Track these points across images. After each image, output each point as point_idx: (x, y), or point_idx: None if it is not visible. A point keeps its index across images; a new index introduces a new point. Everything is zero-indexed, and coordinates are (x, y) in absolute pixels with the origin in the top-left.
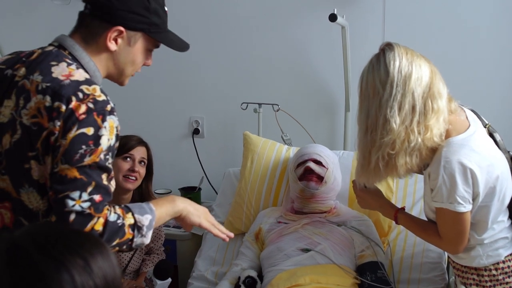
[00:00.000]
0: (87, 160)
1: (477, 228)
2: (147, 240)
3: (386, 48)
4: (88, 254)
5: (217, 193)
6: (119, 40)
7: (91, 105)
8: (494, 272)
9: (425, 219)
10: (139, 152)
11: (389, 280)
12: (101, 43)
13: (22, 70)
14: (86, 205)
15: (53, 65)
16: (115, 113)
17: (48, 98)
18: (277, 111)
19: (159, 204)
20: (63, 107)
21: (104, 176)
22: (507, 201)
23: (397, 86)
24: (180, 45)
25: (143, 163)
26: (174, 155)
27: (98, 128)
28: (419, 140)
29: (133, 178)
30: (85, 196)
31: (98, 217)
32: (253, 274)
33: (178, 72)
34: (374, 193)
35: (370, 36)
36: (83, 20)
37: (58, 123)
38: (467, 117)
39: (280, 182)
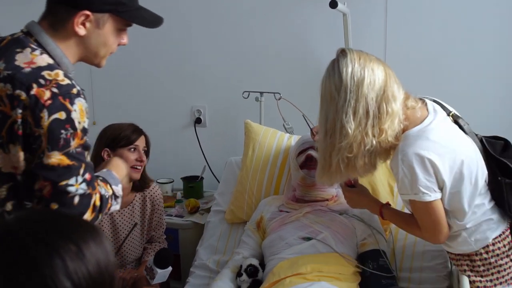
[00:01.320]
0: (74, 144)
1: (457, 214)
2: (118, 206)
3: (340, 54)
4: (80, 240)
5: (219, 182)
6: (87, 24)
7: (55, 90)
8: (485, 255)
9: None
10: (141, 142)
11: (391, 268)
12: (69, 28)
13: None
14: (84, 186)
15: (18, 52)
16: (82, 96)
17: (9, 86)
18: (279, 99)
19: (117, 170)
20: (23, 95)
21: (86, 154)
22: (481, 183)
23: (351, 92)
24: (152, 22)
25: (144, 152)
26: (176, 144)
27: (69, 111)
28: (374, 142)
29: (140, 167)
30: (80, 179)
31: (96, 194)
32: (255, 262)
33: (180, 62)
34: (360, 193)
35: (372, 23)
36: (50, 7)
37: (20, 111)
38: (427, 109)
39: (282, 170)
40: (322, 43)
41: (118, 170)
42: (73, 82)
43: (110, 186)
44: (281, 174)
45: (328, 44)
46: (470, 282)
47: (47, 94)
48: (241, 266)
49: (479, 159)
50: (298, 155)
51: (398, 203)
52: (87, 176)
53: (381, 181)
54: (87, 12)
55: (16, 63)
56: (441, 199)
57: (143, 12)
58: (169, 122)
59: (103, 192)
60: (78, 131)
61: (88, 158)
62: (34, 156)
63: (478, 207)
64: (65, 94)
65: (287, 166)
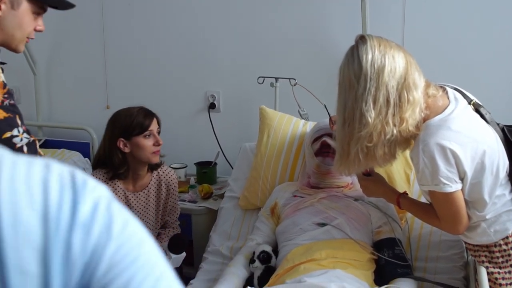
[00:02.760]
0: None
1: (477, 205)
2: None
3: (359, 41)
4: None
5: (232, 168)
6: (2, 6)
7: None
8: (504, 247)
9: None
10: (154, 125)
11: (407, 257)
12: None
13: None
14: (26, 135)
15: None
16: None
17: None
18: (294, 85)
19: None
20: None
21: (18, 106)
22: (502, 174)
23: (371, 80)
24: (61, 4)
25: (158, 133)
26: (190, 129)
27: None
28: (395, 131)
29: (158, 151)
30: (21, 129)
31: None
32: (268, 249)
33: (194, 46)
34: (376, 181)
35: (391, 8)
36: None
37: None
38: (448, 97)
39: (297, 157)
40: (339, 28)
41: None
42: None
43: None
44: (296, 161)
45: (345, 29)
46: (488, 273)
47: None
48: (254, 253)
49: (501, 149)
50: (313, 142)
51: (414, 192)
52: (23, 126)
53: (397, 170)
54: None
55: None
56: (462, 189)
57: None
58: (183, 107)
59: None
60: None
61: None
62: None
63: (499, 198)
64: None
65: (302, 152)
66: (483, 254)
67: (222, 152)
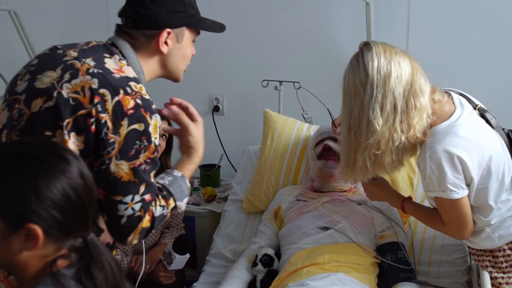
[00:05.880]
0: (142, 156)
1: (482, 210)
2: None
3: (364, 48)
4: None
5: (236, 171)
6: (169, 41)
7: (139, 101)
8: (508, 252)
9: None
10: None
11: (410, 261)
12: (152, 48)
13: (74, 53)
14: (137, 206)
15: (106, 57)
16: (157, 114)
17: (96, 81)
18: (298, 88)
19: (188, 171)
20: (109, 96)
21: (152, 174)
22: (508, 179)
23: (377, 87)
24: (218, 27)
25: (164, 137)
26: None
27: (147, 124)
28: (403, 138)
29: None
30: (137, 198)
31: (147, 216)
32: (271, 252)
33: (198, 49)
34: (381, 185)
35: (395, 13)
36: (126, 32)
37: (100, 108)
38: (453, 102)
39: (300, 160)
40: (343, 33)
41: (191, 170)
42: (151, 99)
43: (175, 200)
44: (299, 164)
45: (349, 33)
46: (491, 278)
47: (131, 104)
48: (256, 256)
49: (506, 154)
50: (315, 145)
51: (417, 196)
52: (147, 197)
53: (401, 174)
54: (168, 30)
55: (106, 65)
56: (468, 195)
57: (208, 21)
58: None
59: (157, 213)
60: (152, 144)
61: (153, 179)
62: (97, 159)
63: (504, 203)
64: (147, 107)
65: (305, 156)
66: (487, 258)
67: (226, 155)
